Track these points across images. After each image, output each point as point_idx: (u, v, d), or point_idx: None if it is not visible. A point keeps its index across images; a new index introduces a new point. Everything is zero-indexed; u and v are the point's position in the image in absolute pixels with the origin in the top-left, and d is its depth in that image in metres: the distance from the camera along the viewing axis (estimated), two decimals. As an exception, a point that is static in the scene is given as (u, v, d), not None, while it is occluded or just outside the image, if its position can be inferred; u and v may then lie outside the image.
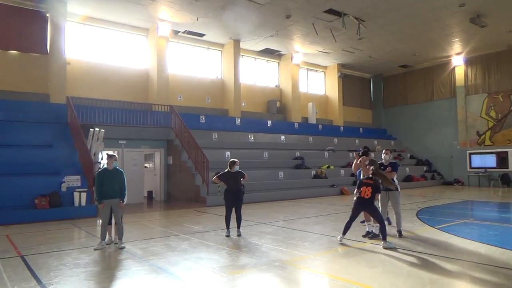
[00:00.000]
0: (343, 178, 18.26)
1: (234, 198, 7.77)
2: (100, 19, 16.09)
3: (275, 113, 21.73)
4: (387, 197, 7.35)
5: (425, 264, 5.37)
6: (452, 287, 4.59)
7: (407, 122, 25.40)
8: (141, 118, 15.25)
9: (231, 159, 8.07)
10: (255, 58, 21.52)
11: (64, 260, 5.90)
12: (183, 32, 17.85)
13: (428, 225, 8.59)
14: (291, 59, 21.58)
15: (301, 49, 20.68)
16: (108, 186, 6.73)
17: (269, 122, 20.37)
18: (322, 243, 6.95)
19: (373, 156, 8.95)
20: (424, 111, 24.26)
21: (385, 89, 27.06)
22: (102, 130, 12.24)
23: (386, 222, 7.17)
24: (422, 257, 5.77)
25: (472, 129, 22.15)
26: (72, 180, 11.17)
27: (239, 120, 19.15)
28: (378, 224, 7.29)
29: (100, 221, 6.98)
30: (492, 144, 21.19)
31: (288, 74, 21.97)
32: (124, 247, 6.66)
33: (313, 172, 17.64)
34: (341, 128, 23.83)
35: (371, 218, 7.31)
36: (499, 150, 20.43)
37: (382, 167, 7.42)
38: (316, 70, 24.60)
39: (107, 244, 6.83)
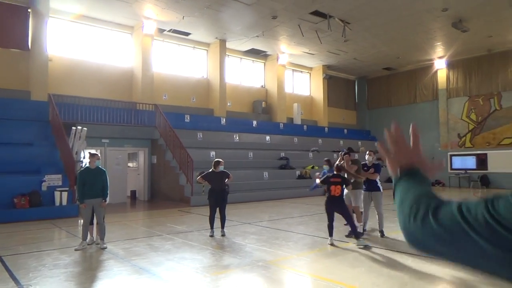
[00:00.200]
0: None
1: (218, 198, 7.75)
2: (84, 15, 15.81)
3: (261, 113, 21.75)
4: (370, 197, 7.44)
5: (406, 264, 5.45)
6: (432, 286, 4.67)
7: (391, 123, 25.66)
8: (125, 117, 15.07)
9: (216, 159, 8.06)
10: (241, 58, 21.50)
11: (44, 260, 5.79)
12: (169, 31, 17.70)
13: (410, 225, 8.72)
14: (277, 60, 21.64)
15: (287, 50, 20.76)
16: (90, 186, 6.63)
17: (255, 122, 20.38)
18: (306, 243, 6.98)
19: (357, 157, 9.05)
20: (407, 113, 24.65)
21: (369, 91, 27.39)
22: (85, 128, 12.05)
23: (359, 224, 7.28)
24: (403, 256, 5.86)
25: (453, 131, 22.61)
26: (53, 179, 10.96)
27: (224, 120, 19.10)
28: (361, 224, 7.41)
29: (82, 221, 6.87)
30: (472, 146, 21.67)
31: (274, 75, 22.02)
32: (106, 248, 6.57)
33: (298, 173, 17.73)
34: (326, 129, 24.00)
35: (355, 218, 7.40)
36: (478, 152, 20.90)
37: (365, 168, 7.53)
38: (301, 71, 24.73)
39: (88, 245, 6.73)
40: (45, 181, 10.84)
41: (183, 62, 19.26)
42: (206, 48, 19.91)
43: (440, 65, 22.83)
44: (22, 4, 14.21)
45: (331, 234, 6.82)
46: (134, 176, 16.30)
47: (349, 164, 7.35)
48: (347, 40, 18.37)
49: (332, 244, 6.75)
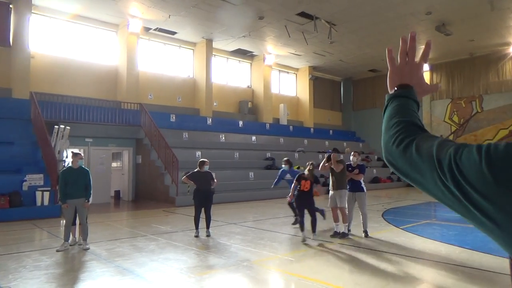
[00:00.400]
0: (312, 179, 18.48)
1: (203, 198, 7.72)
2: (67, 12, 15.54)
3: (247, 113, 21.75)
4: (354, 198, 7.52)
5: (389, 263, 5.52)
6: (414, 285, 4.74)
7: (376, 125, 26.04)
8: (109, 116, 14.86)
9: (201, 159, 8.03)
10: (228, 58, 21.46)
11: (24, 262, 5.67)
12: (155, 30, 17.55)
13: (393, 225, 8.84)
14: (263, 60, 21.67)
15: (273, 50, 20.81)
16: (72, 186, 6.52)
17: (241, 123, 20.37)
18: (291, 243, 7.01)
19: (342, 157, 9.12)
20: (391, 114, 24.93)
21: (354, 92, 27.67)
22: (68, 127, 11.86)
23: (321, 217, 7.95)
24: (386, 256, 5.93)
25: (436, 133, 22.93)
26: (34, 179, 10.74)
27: (210, 120, 19.03)
28: (346, 224, 7.47)
29: (64, 221, 6.75)
30: (454, 147, 22.06)
31: (260, 75, 22.05)
32: (88, 248, 6.47)
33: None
34: (312, 130, 24.14)
35: (339, 219, 7.46)
36: (460, 153, 21.27)
37: (350, 168, 7.60)
38: (288, 72, 24.83)
39: (70, 245, 6.62)
40: (26, 180, 10.61)
41: (169, 61, 19.12)
42: (193, 48, 19.81)
43: (423, 68, 23.12)
44: (3, 0, 13.89)
45: (302, 229, 7.01)
46: (118, 176, 16.10)
47: (335, 162, 7.43)
48: (333, 41, 18.51)
49: (304, 241, 6.87)
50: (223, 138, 18.39)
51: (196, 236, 7.50)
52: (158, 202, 13.83)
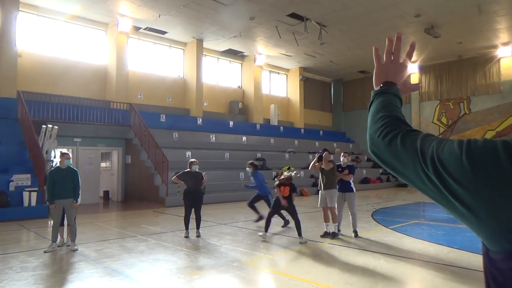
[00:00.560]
0: (303, 180, 18.54)
1: (193, 198, 7.69)
2: (56, 10, 15.34)
3: (237, 113, 21.73)
4: (343, 198, 7.55)
5: (378, 263, 5.56)
6: (403, 284, 4.78)
7: (365, 126, 25.07)
8: (98, 116, 14.71)
9: (191, 159, 8.01)
10: (218, 58, 21.41)
11: (11, 263, 5.57)
12: (145, 29, 17.43)
13: (383, 225, 8.91)
14: (254, 61, 21.67)
15: (264, 51, 20.83)
16: (60, 186, 6.43)
17: (231, 123, 20.34)
18: (281, 244, 7.02)
19: (332, 158, 9.15)
20: (381, 115, 25.15)
21: (345, 93, 27.83)
22: (56, 127, 11.71)
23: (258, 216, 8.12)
24: (376, 256, 5.97)
25: (424, 134, 23.26)
26: (21, 179, 10.58)
27: (200, 120, 18.97)
28: (336, 224, 7.51)
29: (52, 222, 6.66)
30: (442, 148, 22.35)
31: (251, 76, 22.05)
32: (77, 249, 6.39)
33: (274, 173, 17.76)
34: (302, 130, 24.22)
35: (330, 219, 7.49)
36: (448, 154, 21.56)
37: (340, 169, 7.64)
38: (278, 73, 24.87)
39: (58, 246, 6.53)
40: (13, 181, 10.46)
41: (159, 61, 19.01)
42: (183, 48, 19.73)
43: (413, 70, 23.43)
44: (-10, -3, 13.66)
45: (266, 229, 7.27)
46: (107, 176, 15.95)
47: (327, 161, 7.46)
48: (323, 43, 18.60)
49: (264, 239, 7.16)
50: (214, 138, 18.34)
51: (186, 237, 7.46)
52: (147, 202, 13.73)
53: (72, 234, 6.57)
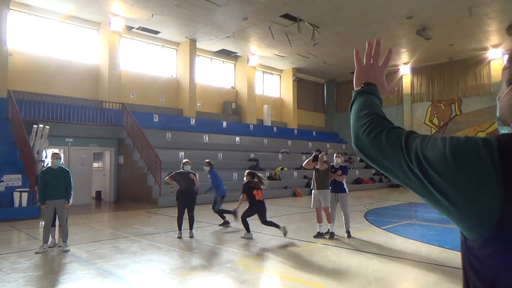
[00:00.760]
0: (296, 180, 18.61)
1: (186, 199, 7.67)
2: (47, 9, 15.20)
3: (231, 114, 21.72)
4: (336, 199, 7.58)
5: (371, 263, 5.59)
6: (395, 284, 4.82)
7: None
8: (90, 116, 14.60)
9: (184, 160, 8.01)
10: (211, 58, 21.38)
11: (1, 264, 5.51)
12: (137, 29, 17.35)
13: (375, 225, 8.96)
14: (247, 61, 21.68)
15: (257, 51, 20.85)
16: (52, 186, 6.38)
17: (224, 123, 20.32)
18: (274, 244, 7.03)
19: (326, 159, 9.20)
20: (373, 116, 25.30)
21: (338, 94, 27.96)
22: (47, 126, 11.60)
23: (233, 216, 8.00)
24: (368, 256, 6.01)
25: (416, 135, 23.46)
26: (12, 179, 10.47)
27: (194, 120, 18.92)
28: (331, 224, 7.54)
29: (43, 223, 6.60)
30: (434, 149, 22.55)
31: (244, 76, 22.05)
32: (68, 250, 6.34)
33: (267, 174, 17.80)
34: (295, 131, 24.28)
35: (323, 220, 7.52)
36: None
37: (333, 170, 7.67)
38: (272, 73, 24.90)
39: (50, 247, 6.47)
40: (3, 181, 10.34)
41: (152, 61, 18.93)
42: (176, 47, 19.67)
43: (405, 71, 23.64)
44: (-20, -5, 13.50)
45: (248, 230, 7.47)
46: (99, 177, 15.84)
47: (323, 161, 7.50)
48: (316, 43, 18.67)
49: (250, 238, 7.31)
50: (207, 138, 18.31)
51: (179, 237, 7.43)
52: (140, 203, 13.65)
53: (64, 235, 6.51)
